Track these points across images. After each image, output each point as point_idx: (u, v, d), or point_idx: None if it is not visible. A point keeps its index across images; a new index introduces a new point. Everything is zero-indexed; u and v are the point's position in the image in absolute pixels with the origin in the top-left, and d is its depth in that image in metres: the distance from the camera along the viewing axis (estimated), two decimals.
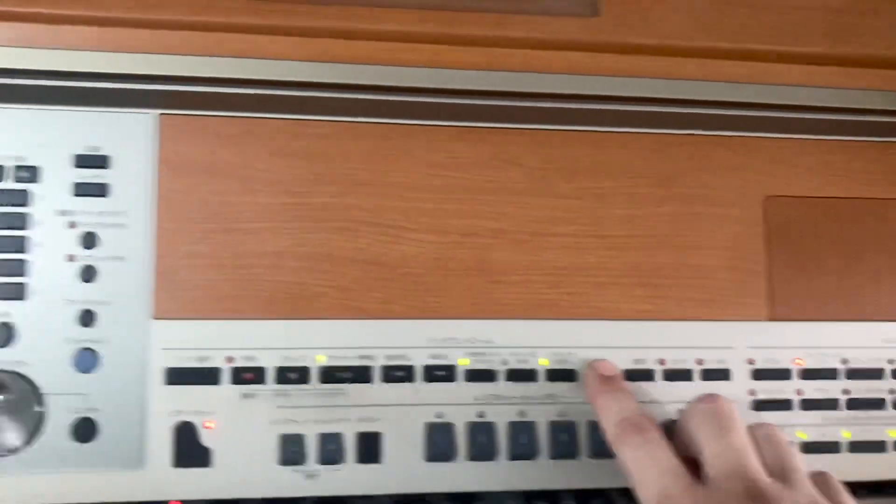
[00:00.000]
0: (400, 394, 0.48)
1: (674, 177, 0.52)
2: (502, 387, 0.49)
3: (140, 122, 0.47)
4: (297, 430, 0.46)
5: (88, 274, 0.45)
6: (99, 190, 0.46)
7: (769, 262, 0.52)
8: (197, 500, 0.46)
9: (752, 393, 0.51)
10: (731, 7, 0.53)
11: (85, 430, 0.44)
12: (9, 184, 0.45)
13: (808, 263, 0.52)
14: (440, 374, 0.48)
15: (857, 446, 0.51)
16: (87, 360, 0.45)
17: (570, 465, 0.49)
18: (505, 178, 0.50)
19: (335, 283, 0.48)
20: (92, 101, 0.46)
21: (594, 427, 0.48)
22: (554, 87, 0.51)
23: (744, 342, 0.51)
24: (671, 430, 0.46)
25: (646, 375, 0.50)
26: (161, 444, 0.45)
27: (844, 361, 0.52)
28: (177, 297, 0.46)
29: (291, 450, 0.46)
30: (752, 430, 0.44)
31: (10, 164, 0.45)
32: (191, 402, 0.46)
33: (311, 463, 0.46)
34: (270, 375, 0.46)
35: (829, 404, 0.51)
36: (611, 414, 0.46)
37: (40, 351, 0.45)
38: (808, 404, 0.51)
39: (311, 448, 0.46)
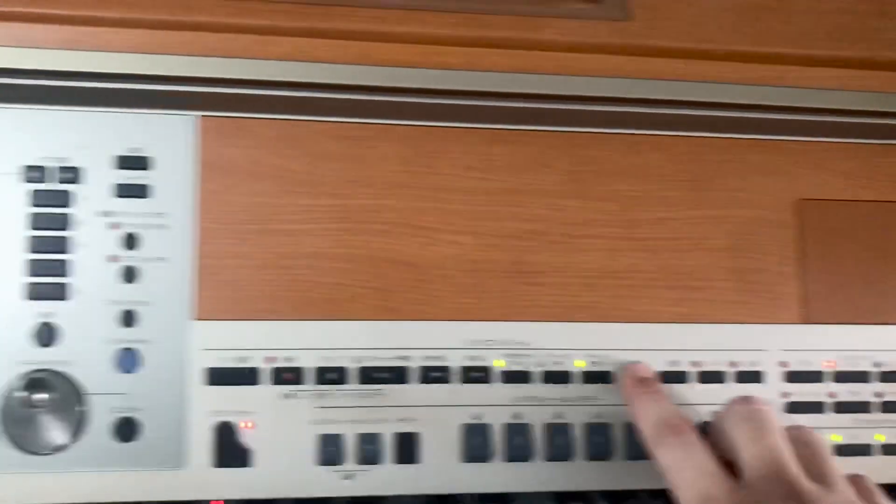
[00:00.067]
0: (437, 395, 0.48)
1: (707, 180, 0.52)
2: (538, 388, 0.49)
3: (181, 123, 0.47)
4: (335, 430, 0.47)
5: (130, 274, 0.46)
6: (141, 191, 0.46)
7: (802, 266, 0.52)
8: (236, 499, 0.46)
9: (784, 395, 0.51)
10: (763, 11, 0.54)
11: (126, 429, 0.45)
12: (52, 185, 0.46)
13: (840, 267, 0.52)
14: (476, 375, 0.48)
15: (891, 449, 0.51)
16: (128, 360, 0.45)
17: (605, 466, 0.49)
18: (539, 181, 0.51)
19: (373, 284, 0.48)
20: (134, 103, 0.47)
21: (629, 429, 0.49)
22: (587, 90, 0.51)
23: (777, 345, 0.51)
24: (706, 432, 0.46)
25: (679, 378, 0.50)
26: (201, 444, 0.46)
27: (877, 364, 0.52)
28: (217, 297, 0.46)
29: (330, 450, 0.47)
30: (789, 432, 0.45)
31: (52, 165, 0.46)
32: (231, 402, 0.46)
33: (350, 463, 0.47)
34: (309, 376, 0.47)
35: (862, 407, 0.51)
36: (647, 416, 0.46)
37: (83, 351, 0.45)
38: (841, 407, 0.51)
39: (350, 448, 0.47)
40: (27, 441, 0.44)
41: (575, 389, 0.49)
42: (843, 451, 0.51)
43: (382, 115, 0.49)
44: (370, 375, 0.47)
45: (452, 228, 0.49)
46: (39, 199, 0.45)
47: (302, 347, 0.47)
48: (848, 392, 0.51)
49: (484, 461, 0.48)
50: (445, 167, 0.50)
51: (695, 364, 0.50)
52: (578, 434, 0.49)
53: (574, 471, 0.49)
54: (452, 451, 0.48)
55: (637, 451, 0.48)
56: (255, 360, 0.46)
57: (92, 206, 0.46)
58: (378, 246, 0.48)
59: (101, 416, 0.45)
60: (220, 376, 0.46)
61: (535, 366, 0.49)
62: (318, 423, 0.47)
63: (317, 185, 0.48)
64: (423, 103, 0.49)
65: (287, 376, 0.46)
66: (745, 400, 0.46)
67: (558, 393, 0.49)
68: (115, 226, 0.46)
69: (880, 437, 0.51)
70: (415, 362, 0.48)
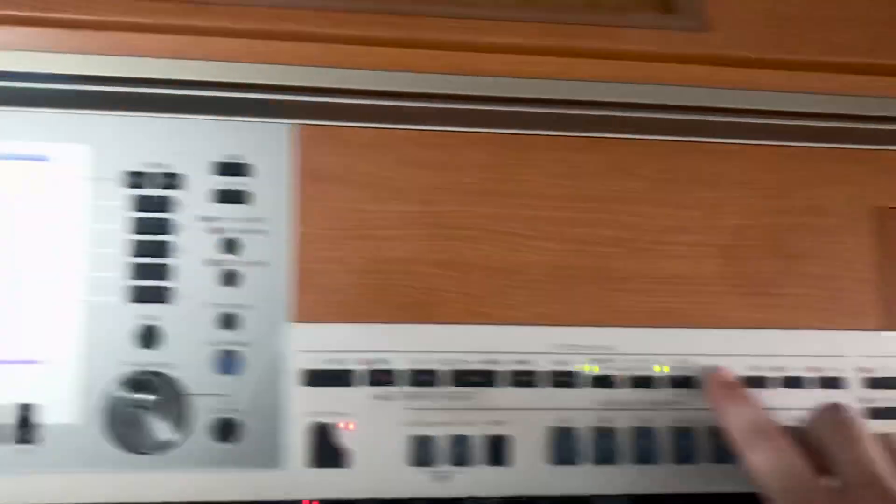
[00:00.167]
0: (525, 398, 0.49)
1: (787, 187, 0.53)
2: (623, 393, 0.50)
3: (279, 131, 0.48)
4: (427, 431, 0.48)
5: (230, 278, 0.47)
6: (240, 197, 0.47)
7: (881, 273, 0.52)
8: (332, 499, 0.47)
9: (865, 401, 0.51)
10: (839, 21, 0.55)
11: (226, 430, 0.46)
12: (153, 190, 0.47)
13: None
14: (563, 379, 0.49)
15: None
16: (228, 362, 0.46)
17: (690, 469, 0.49)
18: (623, 188, 0.51)
19: (462, 289, 0.49)
20: (233, 110, 0.48)
21: (714, 432, 0.49)
22: (667, 98, 0.52)
23: (857, 351, 0.52)
24: (793, 437, 0.47)
25: (760, 383, 0.51)
26: (298, 445, 0.46)
27: None
28: (315, 301, 0.47)
29: (422, 451, 0.47)
30: (880, 440, 0.45)
31: (154, 171, 0.47)
32: (327, 403, 0.47)
33: (442, 464, 0.48)
34: (402, 378, 0.48)
35: None
36: (736, 420, 0.47)
37: (184, 353, 0.46)
38: None
39: (442, 450, 0.48)
40: (130, 440, 0.45)
41: (659, 394, 0.50)
42: None
43: (471, 124, 0.50)
44: (461, 378, 0.48)
45: (539, 234, 0.50)
46: (141, 204, 0.47)
47: (395, 350, 0.48)
48: None
49: (571, 464, 0.49)
50: (532, 174, 0.50)
51: (776, 369, 0.51)
52: (663, 438, 0.49)
53: (659, 474, 0.49)
54: (540, 454, 0.49)
55: (721, 454, 0.49)
56: (351, 362, 0.47)
57: (192, 211, 0.47)
58: (467, 252, 0.49)
59: (202, 417, 0.46)
60: (316, 378, 0.47)
61: (620, 370, 0.50)
62: (411, 425, 0.48)
63: (408, 191, 0.49)
64: (510, 111, 0.50)
65: (381, 378, 0.47)
66: (836, 407, 0.46)
67: (643, 397, 0.50)
68: (215, 231, 0.47)
69: None
70: (504, 366, 0.49)
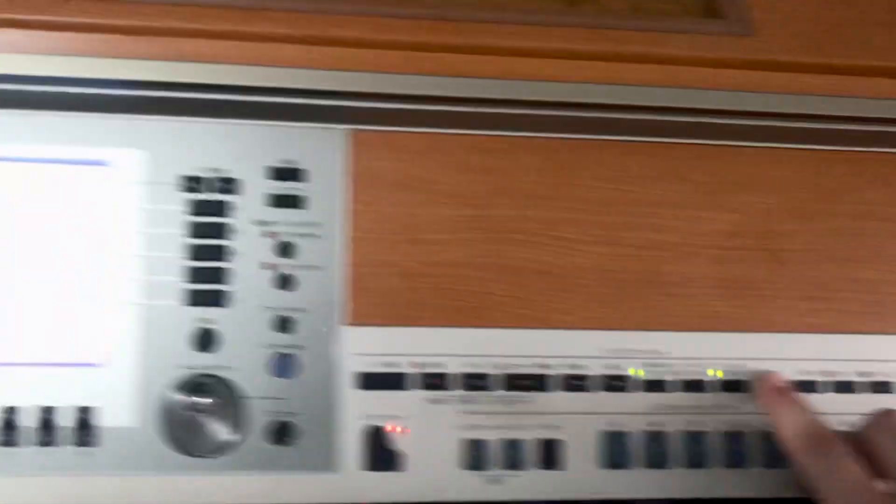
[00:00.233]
0: (577, 402, 0.49)
1: (837, 192, 0.53)
2: (674, 397, 0.50)
3: (333, 136, 0.49)
4: (480, 435, 0.48)
5: (285, 282, 0.47)
6: (295, 201, 0.48)
7: None
8: (386, 503, 0.47)
9: None
10: (885, 25, 0.55)
11: (282, 433, 0.46)
12: (210, 195, 0.47)
13: None
14: (615, 383, 0.49)
15: None
16: (284, 365, 0.47)
17: (741, 474, 0.49)
18: (673, 192, 0.51)
19: (514, 293, 0.49)
20: (288, 116, 0.48)
21: (765, 437, 0.49)
22: (715, 103, 0.52)
23: None
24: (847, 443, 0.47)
25: (811, 387, 0.51)
26: (353, 448, 0.47)
27: None
28: (368, 304, 0.48)
29: (475, 455, 0.48)
30: None
31: (210, 175, 0.47)
32: (381, 406, 0.47)
33: (495, 468, 0.48)
34: (455, 382, 0.48)
35: None
36: (792, 426, 0.47)
37: (240, 356, 0.46)
38: None
39: (494, 453, 0.48)
40: (187, 444, 0.45)
41: (711, 398, 0.50)
42: None
43: (523, 128, 0.50)
44: (513, 382, 0.48)
45: (590, 238, 0.50)
46: (197, 208, 0.47)
47: (448, 353, 0.48)
48: None
49: (622, 468, 0.49)
50: (583, 178, 0.51)
51: (827, 374, 0.51)
52: (714, 442, 0.49)
53: (710, 478, 0.49)
54: (592, 458, 0.49)
55: (773, 459, 0.49)
56: (404, 366, 0.48)
57: (248, 215, 0.47)
58: (519, 255, 0.49)
59: (258, 420, 0.46)
60: (370, 381, 0.47)
61: (671, 375, 0.50)
62: (464, 429, 0.48)
63: (460, 196, 0.49)
64: (561, 116, 0.50)
65: (434, 382, 0.48)
66: (890, 412, 0.46)
67: (694, 401, 0.50)
68: (270, 234, 0.47)
69: None
70: (555, 370, 0.49)
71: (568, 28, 0.52)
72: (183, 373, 0.46)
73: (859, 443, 0.46)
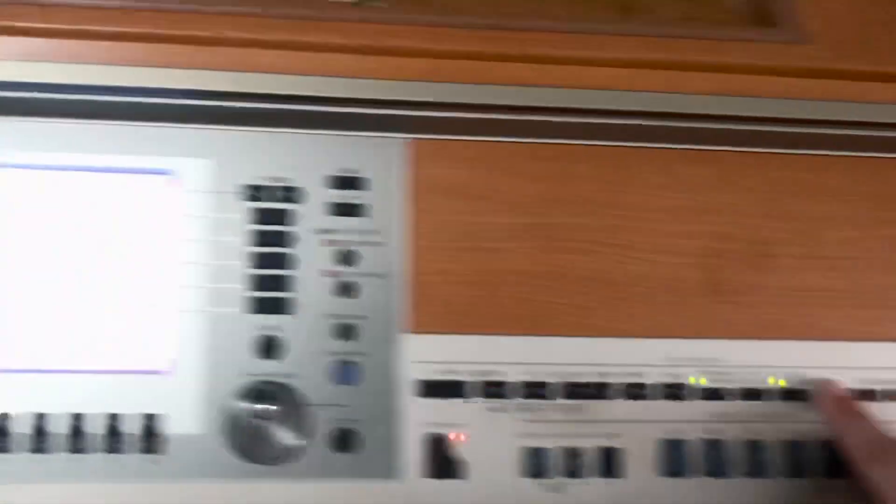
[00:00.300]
0: (636, 410, 0.49)
1: (894, 199, 0.52)
2: (733, 405, 0.49)
3: (393, 145, 0.49)
4: (540, 443, 0.48)
5: (347, 289, 0.47)
6: (356, 210, 0.48)
7: None
8: None
9: None
10: None
11: (345, 440, 0.46)
12: (272, 203, 0.48)
13: None
14: (674, 391, 0.49)
15: None
16: (347, 372, 0.47)
17: (802, 483, 0.49)
18: (730, 200, 0.51)
19: (573, 301, 0.49)
20: (349, 125, 0.49)
21: (825, 446, 0.49)
22: (770, 111, 0.52)
23: None
24: None
25: (869, 396, 0.50)
26: (414, 456, 0.47)
27: None
28: (429, 312, 0.48)
29: (536, 463, 0.48)
30: None
31: (273, 184, 0.48)
32: (442, 414, 0.47)
33: (555, 476, 0.48)
34: (515, 390, 0.48)
35: None
36: (856, 436, 0.46)
37: (304, 363, 0.47)
38: None
39: (554, 461, 0.48)
40: (252, 451, 0.45)
41: (770, 406, 0.50)
42: None
43: (579, 136, 0.50)
44: (573, 391, 0.48)
45: (648, 247, 0.50)
46: (261, 217, 0.47)
47: (508, 362, 0.48)
48: None
49: (682, 476, 0.49)
50: (640, 186, 0.51)
51: (886, 382, 0.51)
52: (774, 451, 0.49)
53: (769, 487, 0.49)
54: (651, 466, 0.49)
55: (833, 468, 0.49)
56: (464, 374, 0.48)
57: (310, 223, 0.48)
58: (577, 264, 0.49)
59: (322, 427, 0.46)
60: (431, 389, 0.47)
61: (730, 383, 0.50)
62: (524, 437, 0.48)
63: (519, 204, 0.50)
64: (617, 124, 0.51)
65: (494, 390, 0.48)
66: None
67: (753, 410, 0.50)
68: (332, 243, 0.48)
69: None
70: (615, 378, 0.49)
71: (622, 37, 0.52)
72: (247, 380, 0.46)
73: None
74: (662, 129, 0.51)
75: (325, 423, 0.46)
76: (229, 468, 0.45)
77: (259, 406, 0.45)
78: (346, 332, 0.47)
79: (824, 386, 0.49)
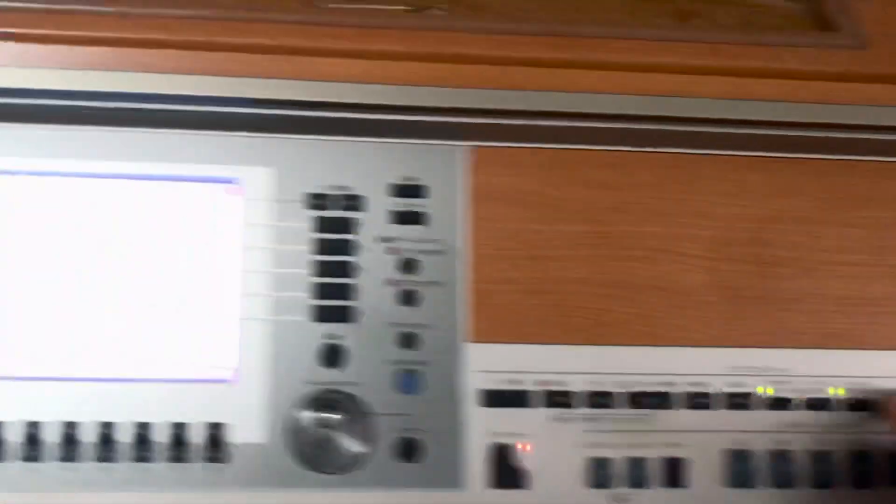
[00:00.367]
0: (701, 420, 0.48)
1: None
2: (799, 415, 0.49)
3: (454, 153, 0.49)
4: (604, 453, 0.47)
5: (409, 298, 0.47)
6: (417, 218, 0.48)
7: None
8: None
9: None
10: None
11: (409, 449, 0.46)
12: (335, 212, 0.48)
13: None
14: (739, 401, 0.49)
15: None
16: (409, 381, 0.47)
17: (869, 494, 0.48)
18: (792, 207, 0.51)
19: (636, 310, 0.49)
20: (410, 133, 0.48)
21: (893, 457, 0.48)
22: (831, 117, 0.51)
23: None
24: None
25: None
26: (478, 465, 0.46)
27: None
28: (491, 321, 0.48)
29: (600, 473, 0.47)
30: None
31: (335, 192, 0.48)
32: (506, 424, 0.47)
33: (619, 486, 0.47)
34: (579, 399, 0.48)
35: None
36: None
37: (367, 372, 0.46)
38: None
39: (619, 471, 0.47)
40: (317, 460, 0.45)
41: (835, 417, 0.49)
42: None
43: (641, 143, 0.50)
44: (637, 400, 0.48)
45: (710, 255, 0.50)
46: (323, 225, 0.47)
47: (571, 371, 0.48)
48: None
49: (748, 487, 0.48)
50: (701, 194, 0.50)
51: None
52: (841, 462, 0.48)
53: (838, 499, 0.48)
54: (717, 477, 0.48)
55: None
56: (528, 383, 0.47)
57: (372, 232, 0.48)
58: (639, 272, 0.49)
59: (385, 436, 0.46)
60: (494, 398, 0.47)
61: (795, 392, 0.49)
62: (588, 447, 0.47)
63: (581, 212, 0.49)
64: (679, 131, 0.50)
65: (558, 399, 0.47)
66: None
67: (819, 420, 0.49)
68: (393, 251, 0.48)
69: None
70: (679, 388, 0.48)
71: (683, 43, 0.51)
72: (311, 389, 0.46)
73: None
74: (725, 135, 0.50)
75: (388, 432, 0.46)
76: (293, 477, 0.45)
77: (324, 415, 0.45)
78: (408, 340, 0.47)
79: (892, 398, 0.49)
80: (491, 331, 0.48)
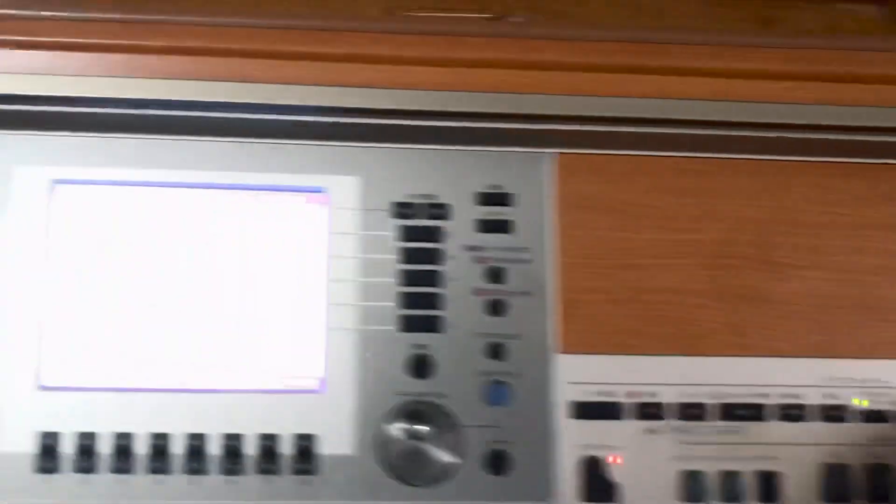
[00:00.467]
0: (794, 433, 0.47)
1: None
2: None
3: (539, 160, 0.48)
4: (697, 466, 0.46)
5: (496, 308, 0.47)
6: (503, 226, 0.47)
7: None
8: None
9: None
10: None
11: (498, 462, 0.45)
12: (421, 221, 0.47)
13: None
14: (834, 413, 0.47)
15: None
16: (498, 392, 0.46)
17: None
18: (883, 214, 0.50)
19: (726, 319, 0.48)
20: (495, 140, 0.48)
21: None
22: None
23: None
24: None
25: None
26: (569, 478, 0.46)
27: None
28: (580, 331, 0.47)
29: (692, 486, 0.46)
30: None
31: (421, 201, 0.47)
32: (596, 436, 0.46)
33: (711, 500, 0.46)
34: (671, 411, 0.47)
35: None
36: None
37: (455, 383, 0.46)
38: None
39: (712, 485, 0.46)
40: (406, 472, 0.44)
41: None
42: None
43: (731, 150, 0.49)
44: (730, 412, 0.47)
45: (803, 263, 0.49)
46: (410, 234, 0.47)
47: (662, 383, 0.47)
48: None
49: (845, 502, 0.46)
50: (793, 201, 0.49)
51: None
52: None
53: None
54: (813, 491, 0.47)
55: None
56: (619, 395, 0.46)
57: (458, 240, 0.47)
58: (731, 281, 0.48)
59: (474, 448, 0.45)
60: (585, 410, 0.46)
61: (892, 405, 0.48)
62: (681, 460, 0.46)
63: (669, 219, 0.48)
64: (769, 137, 0.49)
65: (650, 411, 0.46)
66: None
67: None
68: (480, 260, 0.47)
69: None
70: (772, 400, 0.47)
71: (767, 49, 0.50)
72: (399, 400, 0.45)
73: None
74: (815, 141, 0.49)
75: (477, 444, 0.45)
76: (383, 490, 0.45)
77: (413, 426, 0.45)
78: (496, 351, 0.46)
79: None
80: (580, 341, 0.47)
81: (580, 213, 0.48)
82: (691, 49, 0.50)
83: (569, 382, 0.46)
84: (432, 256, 0.47)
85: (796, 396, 0.47)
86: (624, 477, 0.46)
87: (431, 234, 0.47)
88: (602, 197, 0.48)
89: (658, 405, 0.47)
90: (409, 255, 0.47)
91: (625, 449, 0.46)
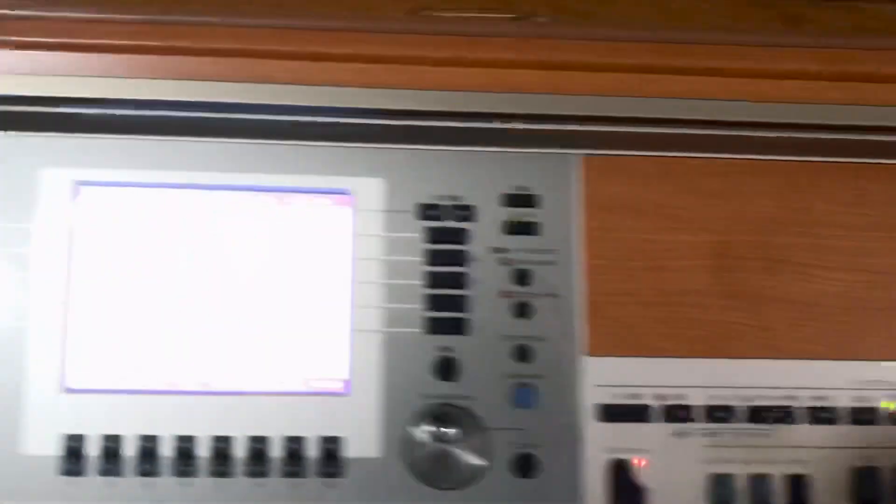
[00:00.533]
0: (824, 436, 0.47)
1: None
2: None
3: (565, 162, 0.48)
4: (726, 469, 0.46)
5: (523, 310, 0.46)
6: (529, 228, 0.47)
7: None
8: None
9: None
10: None
11: (525, 465, 0.45)
12: (447, 222, 0.47)
13: None
14: (864, 416, 0.47)
15: None
16: (524, 395, 0.45)
17: None
18: None
19: (755, 322, 0.47)
20: (521, 141, 0.48)
21: None
22: None
23: None
24: None
25: None
26: (596, 482, 0.45)
27: None
28: (607, 334, 0.46)
29: (721, 489, 0.46)
30: None
31: (447, 203, 0.47)
32: (624, 439, 0.46)
33: (741, 503, 0.46)
34: (699, 414, 0.46)
35: None
36: None
37: (482, 385, 0.45)
38: None
39: (741, 489, 0.46)
40: (433, 475, 0.44)
41: None
42: None
43: (758, 151, 0.49)
44: (759, 415, 0.46)
45: (832, 265, 0.48)
46: (435, 236, 0.47)
47: (690, 385, 0.46)
48: None
49: None
50: (822, 202, 0.49)
51: None
52: None
53: None
54: (844, 495, 0.46)
55: None
56: (647, 397, 0.46)
57: (484, 242, 0.47)
58: (759, 283, 0.48)
59: (501, 451, 0.45)
60: (612, 413, 0.46)
61: None
62: (709, 463, 0.46)
63: (696, 221, 0.48)
64: (797, 137, 0.49)
65: (678, 414, 0.46)
66: None
67: None
68: (506, 262, 0.47)
69: None
70: (801, 402, 0.47)
71: (795, 49, 0.50)
72: (425, 402, 0.45)
73: None
74: (844, 142, 0.49)
75: (504, 447, 0.45)
76: (409, 492, 0.44)
77: (440, 429, 0.44)
78: (522, 353, 0.46)
79: None
80: (607, 344, 0.46)
81: (607, 215, 0.48)
82: (718, 49, 0.50)
83: (596, 385, 0.46)
84: (458, 258, 0.47)
85: (825, 399, 0.47)
86: (652, 480, 0.46)
87: (457, 236, 0.47)
88: (629, 198, 0.48)
89: (686, 408, 0.46)
90: (435, 257, 0.47)
91: (652, 452, 0.46)
